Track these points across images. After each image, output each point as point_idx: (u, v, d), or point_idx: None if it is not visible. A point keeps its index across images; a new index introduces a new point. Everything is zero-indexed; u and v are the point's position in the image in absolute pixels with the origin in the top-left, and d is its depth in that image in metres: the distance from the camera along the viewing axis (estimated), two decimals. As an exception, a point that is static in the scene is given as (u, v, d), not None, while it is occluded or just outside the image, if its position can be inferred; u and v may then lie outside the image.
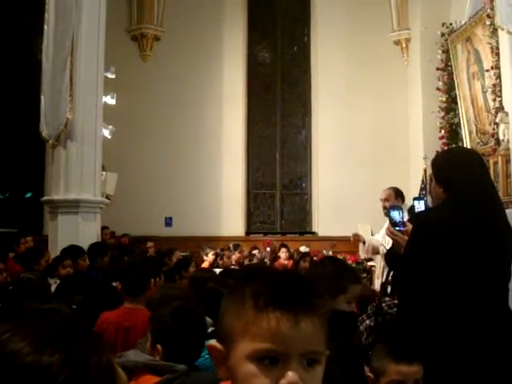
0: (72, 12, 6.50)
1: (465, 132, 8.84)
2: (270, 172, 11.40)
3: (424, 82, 9.82)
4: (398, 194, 5.75)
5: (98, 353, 0.82)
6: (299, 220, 11.39)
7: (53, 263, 5.25)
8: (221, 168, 10.75)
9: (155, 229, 9.89)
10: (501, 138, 7.43)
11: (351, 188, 10.37)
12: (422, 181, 8.78)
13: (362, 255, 6.29)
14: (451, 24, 9.16)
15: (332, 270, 2.40)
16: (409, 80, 10.57)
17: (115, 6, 9.16)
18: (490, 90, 7.92)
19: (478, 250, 2.50)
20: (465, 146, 8.43)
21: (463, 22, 8.66)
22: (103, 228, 7.39)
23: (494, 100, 7.75)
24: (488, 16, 7.72)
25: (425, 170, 8.62)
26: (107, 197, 7.57)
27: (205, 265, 7.37)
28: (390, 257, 3.10)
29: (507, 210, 2.79)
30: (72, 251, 5.48)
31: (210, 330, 3.04)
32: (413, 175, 9.85)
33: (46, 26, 6.63)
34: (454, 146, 8.62)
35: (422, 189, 8.69)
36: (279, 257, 8.51)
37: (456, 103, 9.10)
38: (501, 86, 7.54)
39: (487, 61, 8.00)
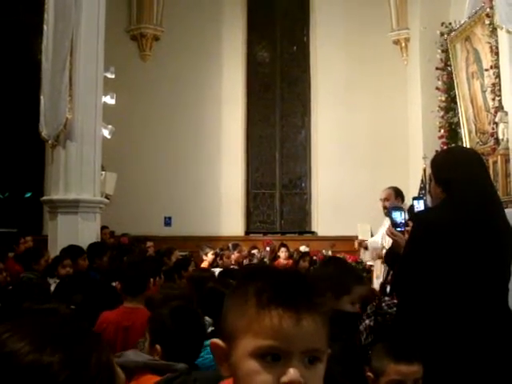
0: (71, 12, 6.50)
1: (464, 131, 8.84)
2: (269, 172, 11.40)
3: (423, 82, 9.82)
4: (397, 194, 5.75)
5: (97, 352, 0.82)
6: (299, 220, 11.39)
7: (52, 263, 5.25)
8: (220, 168, 10.75)
9: (155, 228, 9.89)
10: (500, 137, 7.43)
11: (351, 188, 10.37)
12: (422, 180, 8.78)
13: (365, 259, 6.29)
14: (450, 23, 9.16)
15: (336, 271, 2.40)
16: (408, 79, 10.57)
17: (114, 5, 9.15)
18: (489, 90, 7.91)
19: (478, 249, 2.50)
20: (464, 145, 8.43)
21: (462, 22, 8.65)
22: (102, 228, 7.39)
23: (494, 99, 7.75)
24: (487, 15, 7.72)
25: (424, 170, 8.62)
26: (107, 197, 7.57)
27: (204, 265, 7.36)
28: (390, 257, 3.10)
29: (507, 210, 2.79)
30: (72, 251, 5.48)
31: (209, 329, 3.04)
32: (412, 175, 9.86)
33: (45, 26, 6.63)
34: (453, 145, 8.62)
35: (421, 188, 8.69)
36: (279, 256, 8.51)
37: (455, 103, 9.10)
38: (500, 85, 7.54)
39: (486, 60, 8.00)
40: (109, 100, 8.58)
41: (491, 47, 7.73)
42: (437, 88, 9.40)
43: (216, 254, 7.62)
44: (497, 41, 7.54)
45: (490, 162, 7.22)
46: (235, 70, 11.00)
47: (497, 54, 7.57)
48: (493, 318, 2.44)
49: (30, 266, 5.31)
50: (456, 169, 2.67)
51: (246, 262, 7.84)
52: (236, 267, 7.07)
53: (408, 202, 5.31)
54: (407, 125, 10.52)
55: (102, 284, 4.67)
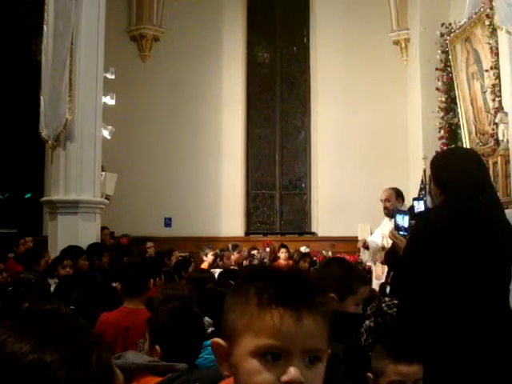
0: (71, 12, 6.51)
1: (464, 132, 8.83)
2: (269, 172, 11.40)
3: (423, 82, 9.82)
4: (398, 195, 5.76)
5: (97, 350, 0.82)
6: (298, 220, 11.39)
7: (53, 263, 5.25)
8: (220, 168, 10.75)
9: (155, 229, 9.89)
10: (500, 138, 7.43)
11: (351, 188, 10.37)
12: (422, 181, 8.78)
13: (364, 259, 6.29)
14: (450, 24, 9.16)
15: (340, 272, 2.39)
16: (408, 80, 10.57)
17: (114, 6, 9.16)
18: (489, 90, 7.91)
19: (477, 250, 2.50)
20: (464, 146, 8.43)
21: (462, 22, 8.65)
22: (102, 228, 7.39)
23: (494, 100, 7.74)
24: (487, 16, 7.72)
25: (424, 171, 8.62)
26: (107, 197, 7.57)
27: (204, 265, 7.37)
28: (390, 257, 3.10)
29: (507, 211, 2.79)
30: (72, 251, 5.49)
31: (210, 330, 3.04)
32: (412, 175, 9.86)
33: (45, 27, 6.64)
34: (453, 146, 8.62)
35: (421, 189, 8.69)
36: (279, 257, 8.52)
37: (455, 103, 9.09)
38: (500, 86, 7.54)
39: (486, 61, 8.00)
40: (109, 100, 8.58)
41: (491, 48, 7.73)
42: (437, 89, 9.40)
43: (216, 255, 7.62)
44: (497, 41, 7.54)
45: (490, 162, 7.22)
46: (235, 71, 11.01)
47: (497, 54, 7.57)
48: (493, 318, 2.44)
49: (30, 266, 5.32)
50: (455, 170, 2.67)
51: (246, 262, 7.84)
52: (236, 268, 7.07)
53: (408, 202, 5.31)
54: (407, 125, 10.52)
55: (102, 285, 4.68)
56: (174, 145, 10.57)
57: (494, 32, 7.58)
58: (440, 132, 9.30)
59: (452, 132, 9.24)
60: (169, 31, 10.78)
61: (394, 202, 5.69)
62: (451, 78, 9.14)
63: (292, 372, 0.94)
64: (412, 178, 9.80)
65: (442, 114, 9.31)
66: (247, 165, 11.21)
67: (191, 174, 10.53)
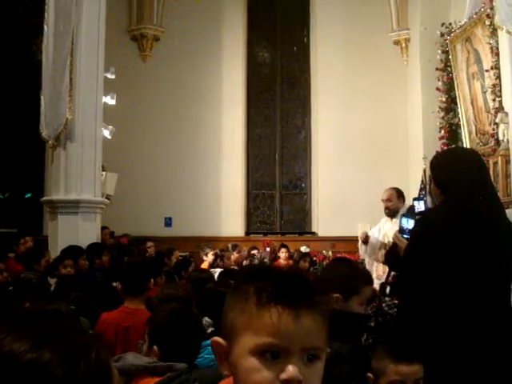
0: (72, 12, 6.51)
1: (464, 132, 8.83)
2: (269, 172, 11.40)
3: (424, 82, 9.82)
4: (399, 195, 5.77)
5: (96, 348, 0.83)
6: (299, 220, 11.39)
7: (53, 263, 5.26)
8: (220, 168, 10.75)
9: (155, 229, 9.89)
10: (500, 138, 7.43)
11: (351, 188, 10.37)
12: (422, 181, 8.77)
13: (361, 253, 6.29)
14: (451, 24, 9.15)
15: (345, 272, 2.39)
16: (408, 80, 10.57)
17: (115, 6, 9.16)
18: (489, 90, 7.91)
19: (478, 250, 2.49)
20: (464, 146, 8.43)
21: (463, 22, 8.64)
22: (103, 228, 7.39)
23: (494, 100, 7.74)
24: (487, 16, 7.71)
25: (424, 171, 8.62)
26: (107, 197, 7.57)
27: (204, 265, 7.37)
28: (391, 257, 3.10)
29: (507, 210, 2.79)
30: (72, 251, 5.49)
31: (209, 330, 3.05)
32: (412, 175, 9.85)
33: (45, 27, 6.63)
34: (453, 146, 8.62)
35: (421, 189, 8.69)
36: (279, 257, 8.52)
37: (456, 103, 9.09)
38: (500, 86, 7.53)
39: (487, 61, 7.99)
40: (109, 100, 8.58)
41: (491, 48, 7.73)
42: (437, 89, 9.39)
43: (216, 255, 7.62)
44: (497, 41, 7.54)
45: (491, 162, 7.22)
46: (235, 71, 11.01)
47: (497, 54, 7.57)
48: (494, 318, 2.44)
49: (30, 266, 5.32)
50: (455, 170, 2.67)
51: (246, 262, 7.84)
52: (236, 268, 7.07)
53: (408, 202, 5.32)
54: (407, 125, 10.52)
55: (103, 284, 4.68)
56: (174, 144, 10.57)
57: (494, 32, 7.57)
58: (440, 132, 9.29)
59: (452, 132, 9.24)
60: (169, 31, 10.78)
61: (395, 201, 5.70)
62: (451, 78, 9.14)
63: (291, 370, 0.94)
64: (412, 177, 9.80)
65: (442, 113, 9.30)
66: (247, 165, 11.21)
67: (191, 173, 10.53)
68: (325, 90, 10.89)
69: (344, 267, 2.47)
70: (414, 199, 3.44)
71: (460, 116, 8.95)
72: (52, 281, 4.81)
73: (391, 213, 5.72)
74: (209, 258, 7.63)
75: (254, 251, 8.72)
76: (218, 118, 10.78)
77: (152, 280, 3.74)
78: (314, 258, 8.94)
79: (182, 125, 10.60)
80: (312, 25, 11.30)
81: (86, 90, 6.65)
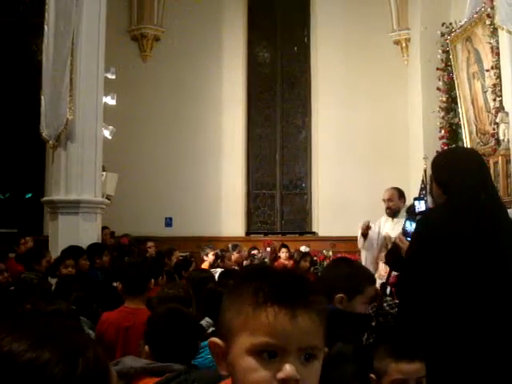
0: (72, 12, 6.51)
1: (465, 132, 8.83)
2: (269, 172, 11.41)
3: (424, 82, 9.82)
4: (400, 194, 5.77)
5: (93, 347, 0.83)
6: (299, 220, 11.39)
7: (54, 263, 5.26)
8: (221, 168, 10.75)
9: (155, 229, 9.89)
10: (501, 137, 7.43)
11: (351, 188, 10.37)
12: (422, 181, 8.77)
13: (359, 245, 6.29)
14: (451, 24, 9.15)
15: (348, 271, 2.39)
16: (409, 80, 10.57)
17: (115, 6, 9.16)
18: (490, 90, 7.91)
19: (480, 249, 2.49)
20: (465, 146, 8.43)
21: (463, 22, 8.65)
22: (103, 228, 7.40)
23: (494, 100, 7.74)
24: (488, 16, 7.71)
25: (425, 170, 8.62)
26: (107, 197, 7.57)
27: (205, 265, 7.38)
28: (392, 257, 3.09)
29: (508, 210, 2.78)
30: (73, 251, 5.49)
31: (210, 330, 3.05)
32: (413, 175, 9.85)
33: (46, 27, 6.64)
34: (454, 146, 8.62)
35: (422, 189, 8.69)
36: (279, 257, 8.52)
37: (456, 103, 9.09)
38: (501, 85, 7.54)
39: (487, 61, 7.99)
40: (109, 100, 8.58)
41: (492, 48, 7.73)
42: (437, 88, 9.40)
43: (216, 255, 7.63)
44: (498, 41, 7.54)
45: (491, 162, 7.22)
46: (236, 71, 11.01)
47: (497, 54, 7.57)
48: (496, 318, 2.43)
49: (31, 266, 5.32)
50: (456, 170, 2.66)
51: (246, 262, 7.84)
52: (236, 268, 7.07)
53: (409, 202, 5.32)
54: (408, 125, 10.52)
55: (103, 284, 4.69)
56: (174, 145, 10.58)
57: (494, 32, 7.57)
58: (441, 132, 9.30)
59: (453, 132, 9.24)
60: (169, 31, 10.79)
61: (396, 201, 5.70)
62: (452, 78, 9.14)
63: (288, 369, 0.95)
64: (412, 177, 9.80)
65: (442, 113, 9.31)
66: (248, 165, 11.21)
67: (192, 173, 10.53)
68: (325, 89, 10.89)
69: (345, 267, 2.46)
70: (415, 199, 3.44)
71: (460, 116, 8.95)
72: (53, 281, 4.81)
73: (392, 213, 5.72)
74: (209, 258, 7.63)
75: (255, 251, 8.72)
76: (218, 118, 10.78)
77: (152, 280, 3.74)
78: (315, 258, 8.94)
79: (182, 125, 10.61)
80: (312, 25, 11.30)
81: (86, 90, 6.65)
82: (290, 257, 8.44)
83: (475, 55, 8.49)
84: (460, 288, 2.45)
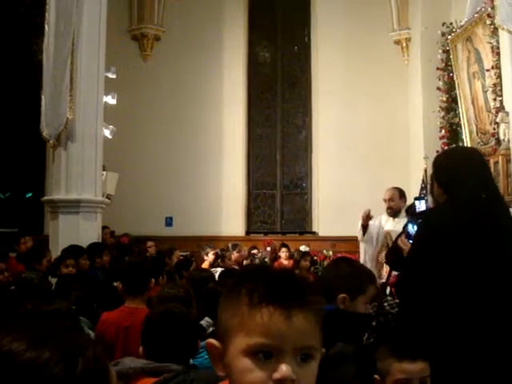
0: (73, 12, 6.51)
1: (465, 132, 8.83)
2: (270, 172, 11.41)
3: (424, 82, 9.82)
4: (401, 194, 5.77)
5: (93, 346, 0.83)
6: (299, 220, 11.39)
7: (55, 263, 5.26)
8: (221, 168, 10.75)
9: (155, 229, 9.90)
10: (501, 137, 7.43)
11: (351, 188, 10.36)
12: (423, 180, 8.77)
13: (359, 238, 6.29)
14: (451, 23, 9.15)
15: (350, 271, 2.38)
16: (409, 80, 10.57)
17: (116, 6, 9.16)
18: (490, 90, 7.90)
19: (480, 250, 2.49)
20: (465, 145, 8.43)
21: (463, 22, 8.64)
22: (103, 228, 7.40)
23: (495, 100, 7.74)
24: (488, 15, 7.71)
25: (425, 170, 8.62)
26: (108, 197, 7.57)
27: (205, 265, 7.38)
28: (392, 257, 3.09)
29: (510, 209, 2.78)
30: (73, 251, 5.49)
31: (210, 330, 3.05)
32: (413, 175, 9.85)
33: (46, 27, 6.64)
34: (454, 145, 8.61)
35: (422, 188, 8.69)
36: (279, 256, 8.52)
37: (456, 103, 9.09)
38: (501, 85, 7.53)
39: (488, 60, 7.99)
40: (110, 100, 8.58)
41: (492, 47, 7.72)
42: (438, 88, 9.39)
43: (217, 255, 7.63)
44: (498, 41, 7.53)
45: (491, 162, 7.21)
46: (236, 71, 11.01)
47: (498, 54, 7.56)
48: (498, 317, 2.43)
49: (32, 265, 5.32)
50: (457, 169, 2.66)
51: (246, 262, 7.85)
52: (237, 267, 7.07)
53: (409, 202, 5.31)
54: (408, 125, 10.52)
55: (103, 284, 4.69)
56: (175, 144, 10.58)
57: (495, 31, 7.57)
58: (441, 131, 9.29)
59: (453, 131, 9.24)
60: (170, 31, 10.79)
61: (397, 201, 5.70)
62: (452, 78, 9.14)
63: (283, 369, 0.95)
64: (413, 177, 9.79)
65: (442, 113, 9.30)
66: (248, 164, 11.21)
67: (192, 173, 10.53)
68: (325, 89, 10.89)
69: (346, 266, 2.46)
70: (416, 199, 3.44)
71: (461, 115, 8.94)
72: (53, 280, 4.81)
73: (393, 212, 5.72)
74: (209, 257, 7.63)
75: (255, 251, 8.73)
76: (218, 118, 10.79)
77: (153, 280, 3.73)
78: (315, 258, 8.95)
79: (182, 124, 10.61)
80: (313, 24, 11.30)
81: (86, 90, 6.65)
82: (290, 256, 8.45)
83: (475, 55, 8.48)
84: (461, 287, 2.45)
